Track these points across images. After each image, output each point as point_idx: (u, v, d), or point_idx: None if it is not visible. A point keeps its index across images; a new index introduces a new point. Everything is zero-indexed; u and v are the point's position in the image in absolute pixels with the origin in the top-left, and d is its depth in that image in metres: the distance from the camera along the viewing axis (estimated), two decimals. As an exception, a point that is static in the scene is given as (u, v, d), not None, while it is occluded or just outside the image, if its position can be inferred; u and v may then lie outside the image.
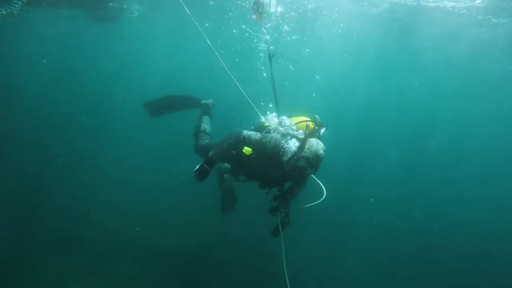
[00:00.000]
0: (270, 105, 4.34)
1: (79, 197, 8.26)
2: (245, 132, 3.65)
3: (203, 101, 5.32)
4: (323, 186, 3.91)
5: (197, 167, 3.60)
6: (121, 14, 10.93)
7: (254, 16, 4.08)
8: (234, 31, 12.59)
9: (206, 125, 5.03)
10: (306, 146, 3.45)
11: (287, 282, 3.51)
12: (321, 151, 3.48)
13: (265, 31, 4.15)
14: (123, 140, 12.14)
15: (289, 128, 3.83)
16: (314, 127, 3.72)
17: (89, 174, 9.38)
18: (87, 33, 13.97)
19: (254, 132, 3.74)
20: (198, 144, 4.78)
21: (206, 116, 5.16)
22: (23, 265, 6.04)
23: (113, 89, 15.89)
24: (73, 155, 10.15)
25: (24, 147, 9.63)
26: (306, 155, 3.40)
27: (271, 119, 4.13)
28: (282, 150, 3.58)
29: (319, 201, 3.81)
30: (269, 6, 4.10)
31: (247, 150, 3.59)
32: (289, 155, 3.53)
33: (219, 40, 11.16)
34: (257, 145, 3.62)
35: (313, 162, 3.42)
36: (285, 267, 3.53)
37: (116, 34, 14.22)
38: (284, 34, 11.32)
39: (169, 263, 6.93)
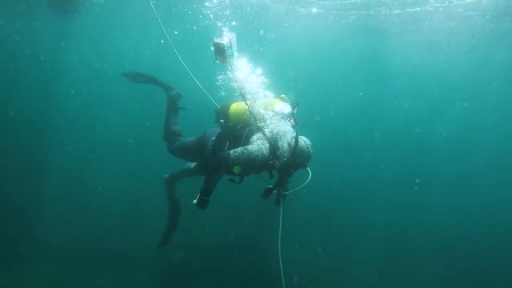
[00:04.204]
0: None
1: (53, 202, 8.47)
2: (232, 156, 3.49)
3: (170, 92, 5.10)
4: (309, 170, 4.18)
5: (195, 201, 3.46)
6: (85, 3, 10.46)
7: (217, 61, 4.06)
8: (190, 12, 12.28)
9: (174, 125, 4.93)
10: (298, 151, 3.78)
11: (279, 251, 3.87)
12: (311, 151, 3.90)
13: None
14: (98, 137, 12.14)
15: (265, 116, 3.85)
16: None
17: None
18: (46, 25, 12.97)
19: (239, 150, 3.57)
20: (171, 146, 4.77)
21: (172, 115, 5.02)
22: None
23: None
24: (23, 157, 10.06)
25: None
26: (301, 162, 3.82)
27: (241, 102, 4.02)
28: (274, 158, 3.71)
29: (305, 183, 4.01)
30: (231, 48, 4.07)
31: (236, 169, 3.70)
32: (282, 160, 3.73)
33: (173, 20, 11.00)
34: (247, 163, 3.61)
35: (306, 163, 3.92)
36: (279, 243, 3.89)
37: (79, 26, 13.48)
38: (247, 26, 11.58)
39: (151, 268, 7.18)
